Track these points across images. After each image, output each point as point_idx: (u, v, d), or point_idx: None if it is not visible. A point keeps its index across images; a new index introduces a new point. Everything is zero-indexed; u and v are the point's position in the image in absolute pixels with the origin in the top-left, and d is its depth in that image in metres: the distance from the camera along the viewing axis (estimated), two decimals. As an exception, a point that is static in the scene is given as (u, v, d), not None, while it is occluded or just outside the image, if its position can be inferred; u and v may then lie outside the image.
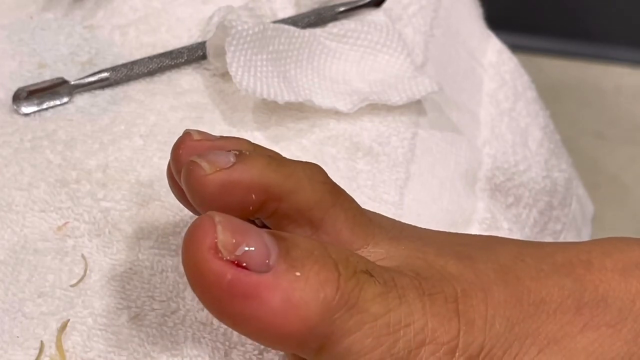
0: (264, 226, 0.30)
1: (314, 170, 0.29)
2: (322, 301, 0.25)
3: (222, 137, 0.30)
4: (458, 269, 0.29)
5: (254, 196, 0.28)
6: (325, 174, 0.30)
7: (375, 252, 0.29)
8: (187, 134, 0.30)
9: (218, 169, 0.27)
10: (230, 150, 0.28)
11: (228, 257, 0.24)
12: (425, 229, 0.33)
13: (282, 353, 0.32)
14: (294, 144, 0.40)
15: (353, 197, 0.30)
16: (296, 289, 0.25)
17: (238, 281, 0.24)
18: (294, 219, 0.29)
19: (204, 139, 0.30)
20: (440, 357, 0.26)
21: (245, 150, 0.29)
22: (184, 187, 0.28)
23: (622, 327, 0.28)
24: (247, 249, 0.25)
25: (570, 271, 0.29)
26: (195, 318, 0.33)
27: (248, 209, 0.28)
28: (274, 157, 0.29)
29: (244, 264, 0.24)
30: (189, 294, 0.33)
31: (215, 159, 0.28)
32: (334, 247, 0.27)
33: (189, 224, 0.35)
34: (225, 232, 0.25)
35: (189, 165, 0.28)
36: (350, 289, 0.26)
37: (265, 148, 0.31)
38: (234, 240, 0.25)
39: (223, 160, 0.28)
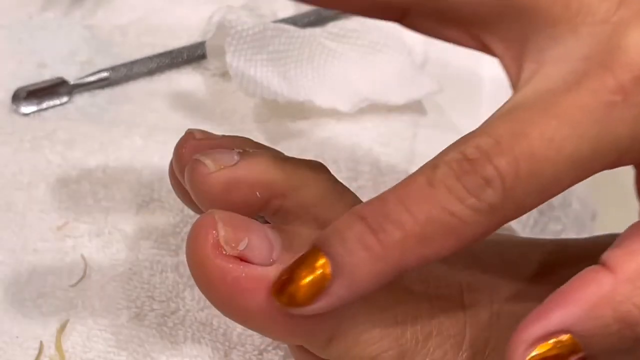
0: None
1: (318, 168, 0.29)
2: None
3: (225, 136, 0.30)
4: (463, 264, 0.29)
5: (258, 194, 0.28)
6: (329, 171, 0.30)
7: None
8: (189, 133, 0.30)
9: (222, 167, 0.27)
10: (234, 149, 0.28)
11: (231, 253, 0.24)
12: None
13: (282, 353, 0.32)
14: (294, 144, 0.40)
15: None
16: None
17: (243, 276, 0.24)
18: (299, 216, 0.29)
19: (206, 137, 0.30)
20: (447, 350, 0.26)
21: (249, 149, 0.29)
22: (187, 186, 0.28)
23: None
24: (249, 243, 0.25)
25: (573, 266, 0.29)
26: (195, 318, 0.33)
27: (252, 206, 0.28)
28: (277, 155, 0.29)
29: (248, 259, 0.24)
30: (189, 294, 0.33)
31: (220, 157, 0.27)
32: None
33: (189, 224, 0.36)
34: (226, 228, 0.24)
35: (193, 163, 0.27)
36: None
37: (269, 147, 0.31)
38: (236, 236, 0.24)
39: (227, 158, 0.27)
